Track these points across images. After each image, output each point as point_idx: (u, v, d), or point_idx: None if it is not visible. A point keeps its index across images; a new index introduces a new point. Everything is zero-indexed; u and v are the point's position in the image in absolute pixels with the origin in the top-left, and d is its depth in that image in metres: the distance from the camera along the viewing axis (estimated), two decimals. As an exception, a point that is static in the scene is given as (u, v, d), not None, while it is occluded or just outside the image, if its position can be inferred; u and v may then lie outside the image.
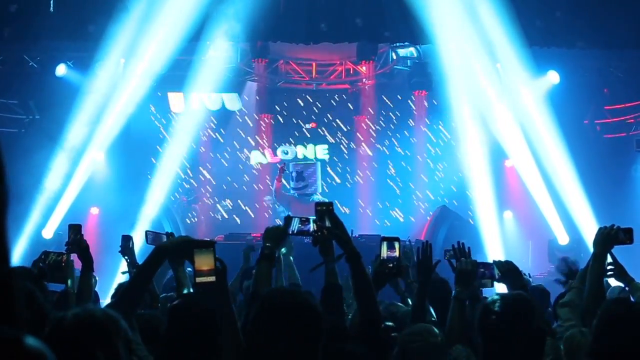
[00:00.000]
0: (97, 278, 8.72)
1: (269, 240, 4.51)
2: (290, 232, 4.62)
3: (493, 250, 14.55)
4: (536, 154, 15.22)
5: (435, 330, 4.11)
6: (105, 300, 7.84)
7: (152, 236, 6.72)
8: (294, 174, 14.85)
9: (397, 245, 4.71)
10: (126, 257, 6.79)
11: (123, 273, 6.96)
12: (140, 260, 6.75)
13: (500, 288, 6.80)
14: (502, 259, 13.37)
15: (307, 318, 2.95)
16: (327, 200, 4.46)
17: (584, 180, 14.97)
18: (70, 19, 12.78)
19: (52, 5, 12.68)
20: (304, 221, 4.65)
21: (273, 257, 4.46)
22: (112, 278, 9.60)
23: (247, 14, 12.65)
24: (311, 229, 4.60)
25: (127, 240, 6.87)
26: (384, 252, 4.68)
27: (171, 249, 3.72)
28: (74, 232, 6.02)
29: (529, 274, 9.31)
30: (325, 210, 4.29)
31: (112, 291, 8.78)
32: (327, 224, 4.27)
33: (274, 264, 4.49)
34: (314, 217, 4.61)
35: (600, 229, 4.83)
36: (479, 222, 15.22)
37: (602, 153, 16.12)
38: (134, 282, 3.87)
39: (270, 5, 12.76)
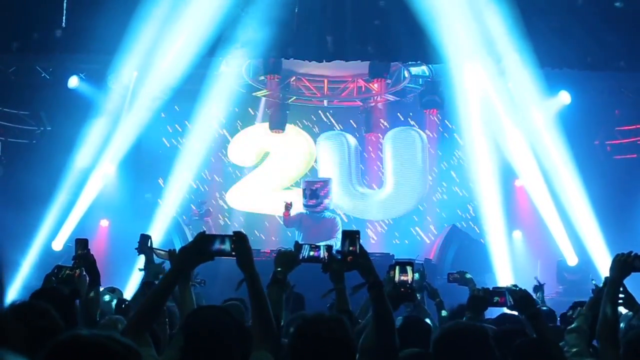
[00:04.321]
0: (122, 292, 8.80)
1: (280, 264, 4.53)
2: (301, 259, 4.62)
3: (502, 270, 14.54)
4: (546, 174, 15.20)
5: None
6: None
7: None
8: (307, 192, 14.82)
9: (409, 269, 4.75)
10: (144, 255, 6.96)
11: (140, 270, 7.08)
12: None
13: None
14: (511, 278, 13.31)
15: (342, 349, 3.00)
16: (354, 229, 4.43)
17: (594, 201, 14.93)
18: (81, 32, 12.80)
19: (64, 20, 12.72)
20: (314, 248, 4.65)
21: (284, 282, 4.48)
22: (121, 290, 9.62)
23: (261, 31, 12.67)
24: (321, 256, 4.60)
25: (145, 238, 7.02)
26: (397, 276, 4.72)
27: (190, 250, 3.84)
28: (81, 247, 6.14)
29: (539, 294, 9.26)
30: (351, 239, 4.28)
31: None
32: (356, 248, 4.25)
33: (285, 288, 4.50)
34: (325, 244, 4.63)
35: (617, 255, 4.80)
36: (489, 242, 15.20)
37: (613, 174, 16.06)
38: (150, 296, 3.93)
39: (284, 22, 12.79)
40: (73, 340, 2.28)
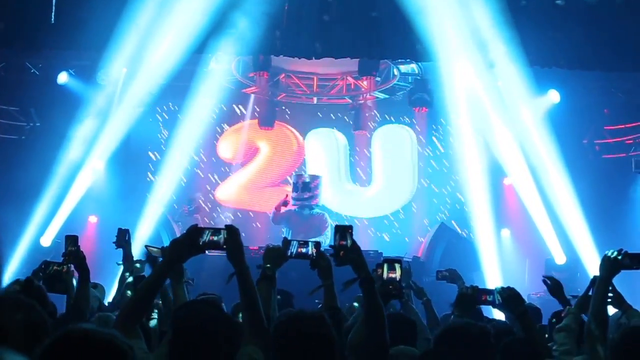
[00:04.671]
0: (104, 288, 8.80)
1: (269, 260, 4.51)
2: (289, 255, 4.59)
3: (490, 268, 14.57)
4: (535, 172, 15.24)
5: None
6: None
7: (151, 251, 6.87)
8: (299, 185, 14.82)
9: (397, 266, 4.74)
10: (122, 249, 7.02)
11: (118, 264, 7.12)
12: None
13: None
14: (499, 276, 13.31)
15: (323, 346, 3.00)
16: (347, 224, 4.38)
17: (582, 200, 14.98)
18: (71, 28, 12.75)
19: (52, 17, 12.67)
20: (303, 244, 4.62)
21: (273, 278, 4.46)
22: (110, 286, 9.64)
23: (251, 28, 12.65)
24: (310, 252, 4.58)
25: (123, 233, 7.05)
26: (385, 273, 4.71)
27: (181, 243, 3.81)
28: (71, 244, 6.11)
29: None
30: (343, 233, 4.23)
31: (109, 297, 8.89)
32: (348, 243, 4.20)
33: (274, 284, 4.48)
34: (313, 241, 4.62)
35: (606, 253, 4.79)
36: (477, 240, 15.23)
37: (601, 173, 16.11)
38: (141, 289, 3.92)
39: (274, 19, 12.77)
40: (80, 334, 2.29)
